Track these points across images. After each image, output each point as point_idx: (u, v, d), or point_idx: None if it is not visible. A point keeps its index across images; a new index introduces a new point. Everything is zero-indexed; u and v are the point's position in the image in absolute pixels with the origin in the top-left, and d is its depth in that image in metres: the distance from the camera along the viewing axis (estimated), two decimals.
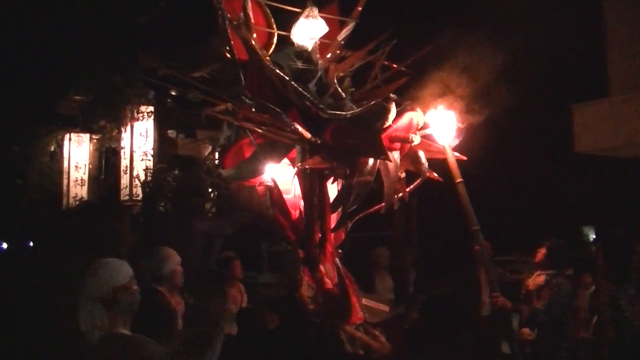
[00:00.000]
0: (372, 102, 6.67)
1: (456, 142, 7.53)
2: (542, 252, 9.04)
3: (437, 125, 7.38)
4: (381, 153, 6.33)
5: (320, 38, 7.47)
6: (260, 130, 6.80)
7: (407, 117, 6.90)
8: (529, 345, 8.90)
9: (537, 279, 9.02)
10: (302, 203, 7.16)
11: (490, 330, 12.29)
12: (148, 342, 4.52)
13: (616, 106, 17.23)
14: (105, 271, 4.63)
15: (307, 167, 6.76)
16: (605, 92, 17.71)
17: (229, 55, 7.01)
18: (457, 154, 7.57)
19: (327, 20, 7.52)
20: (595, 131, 17.32)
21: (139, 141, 11.34)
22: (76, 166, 12.57)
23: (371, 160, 6.58)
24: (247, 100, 6.77)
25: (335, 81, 7.28)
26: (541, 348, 8.73)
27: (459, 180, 7.62)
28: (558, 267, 8.98)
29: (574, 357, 9.64)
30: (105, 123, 12.12)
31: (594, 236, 27.34)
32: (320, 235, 6.94)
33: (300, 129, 6.41)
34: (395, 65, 7.93)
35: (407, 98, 7.25)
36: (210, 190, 11.21)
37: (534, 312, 8.71)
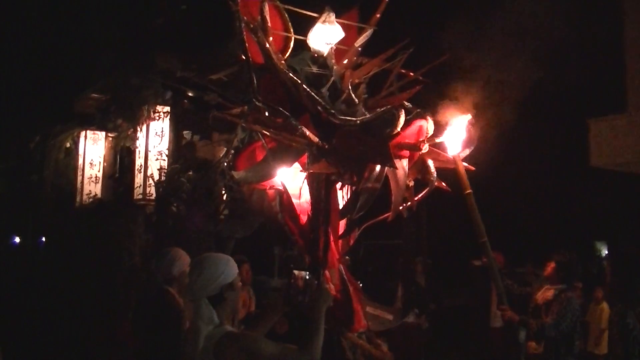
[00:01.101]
0: (382, 109, 6.67)
1: (467, 152, 7.51)
2: (551, 266, 9.03)
3: (448, 134, 7.37)
4: (387, 160, 6.31)
5: (338, 44, 7.48)
6: (269, 134, 6.83)
7: (417, 125, 6.89)
8: (537, 358, 8.89)
9: (545, 293, 9.01)
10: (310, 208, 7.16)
11: (501, 341, 12.30)
12: (261, 339, 4.53)
13: (633, 121, 17.21)
14: (212, 269, 4.65)
15: (312, 171, 6.77)
16: (623, 108, 17.67)
17: (244, 58, 7.02)
18: (466, 164, 7.56)
19: (346, 27, 7.54)
20: (611, 146, 17.29)
21: (154, 141, 11.33)
22: (91, 163, 12.60)
23: (378, 168, 6.57)
24: (258, 103, 6.77)
25: (350, 87, 7.29)
26: None
27: (468, 191, 7.60)
28: (567, 281, 8.96)
29: None
30: (121, 122, 12.13)
31: (606, 251, 27.32)
32: (325, 241, 6.94)
33: (307, 133, 6.42)
34: (411, 74, 7.94)
35: (418, 106, 7.25)
36: (223, 192, 11.21)
37: (543, 326, 8.69)
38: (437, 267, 15.47)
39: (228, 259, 4.80)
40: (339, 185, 7.19)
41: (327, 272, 6.98)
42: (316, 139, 6.49)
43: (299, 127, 6.42)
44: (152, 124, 11.45)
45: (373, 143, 6.44)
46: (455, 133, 7.36)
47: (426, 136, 7.02)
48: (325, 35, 7.34)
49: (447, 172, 7.56)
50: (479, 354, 13.46)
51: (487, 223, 7.83)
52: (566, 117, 21.12)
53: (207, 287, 4.57)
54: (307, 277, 5.19)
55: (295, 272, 5.17)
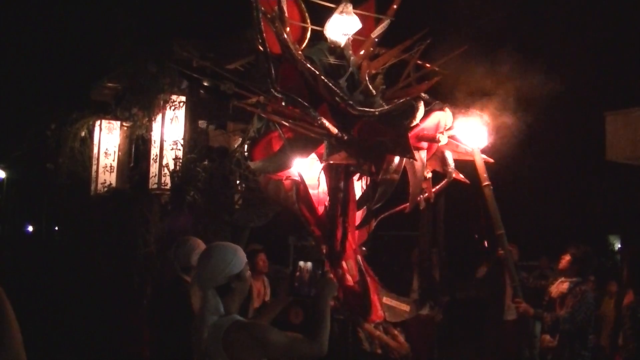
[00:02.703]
0: (401, 100, 6.66)
1: (485, 144, 7.50)
2: (566, 259, 8.99)
3: (466, 127, 7.35)
4: (407, 152, 6.31)
5: (355, 35, 7.49)
6: (288, 124, 6.82)
7: (435, 116, 6.88)
8: (550, 352, 8.86)
9: (560, 286, 8.98)
10: (327, 199, 7.16)
11: (514, 334, 12.26)
12: (270, 329, 4.51)
13: None
14: (219, 259, 4.60)
15: (331, 162, 6.76)
16: None
17: (261, 48, 7.02)
18: (484, 156, 7.54)
19: (363, 17, 7.55)
20: (627, 139, 17.18)
21: (169, 130, 11.34)
22: (106, 153, 12.60)
23: (397, 159, 6.57)
24: (277, 94, 6.77)
25: (367, 78, 7.29)
26: (563, 355, 8.69)
27: (486, 183, 7.59)
28: (582, 274, 8.94)
29: None
30: (136, 111, 12.12)
31: (620, 245, 27.26)
32: (342, 232, 6.93)
33: (327, 123, 6.41)
34: (428, 65, 7.93)
35: (437, 98, 7.24)
36: (238, 182, 11.19)
37: (557, 319, 8.66)
38: (453, 260, 15.45)
39: (236, 249, 4.74)
40: (356, 176, 7.19)
41: (344, 263, 6.99)
42: (335, 130, 6.48)
43: (318, 117, 6.41)
44: (168, 113, 11.46)
45: (392, 134, 6.43)
46: (472, 126, 7.35)
47: (445, 128, 7.01)
48: (343, 25, 7.36)
49: (465, 164, 7.56)
50: (493, 347, 13.42)
51: (501, 216, 7.83)
52: (583, 110, 21.03)
53: (214, 277, 4.54)
54: (312, 269, 5.16)
55: (301, 263, 5.15)
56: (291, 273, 5.15)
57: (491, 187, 7.64)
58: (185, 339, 4.83)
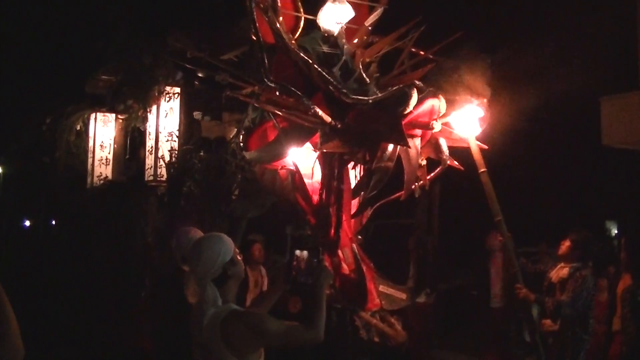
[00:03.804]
0: (394, 88, 6.65)
1: (479, 131, 7.47)
2: (566, 244, 9.00)
3: (461, 113, 7.34)
4: (401, 139, 6.30)
5: (349, 23, 7.46)
6: (282, 114, 6.81)
7: (429, 103, 6.85)
8: (551, 336, 8.88)
9: (560, 271, 8.99)
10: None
11: (501, 322, 12.23)
12: (266, 317, 4.53)
13: None
14: (209, 252, 4.62)
15: (325, 150, 6.76)
16: (635, 85, 17.52)
17: (255, 38, 7.00)
18: (478, 142, 7.52)
19: (356, 6, 7.51)
20: (623, 124, 17.17)
21: (164, 122, 11.36)
22: (101, 145, 12.62)
23: (391, 146, 6.56)
24: (270, 84, 6.75)
25: (361, 66, 7.28)
26: (564, 340, 8.71)
27: (483, 169, 7.58)
28: (583, 259, 8.94)
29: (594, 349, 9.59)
30: (132, 103, 12.11)
31: (616, 231, 27.25)
32: (337, 220, 6.93)
33: (320, 112, 6.40)
34: (422, 53, 7.91)
35: (431, 85, 7.21)
36: (234, 172, 11.20)
37: (559, 304, 8.68)
38: (449, 247, 15.44)
39: (221, 236, 4.78)
40: (350, 164, 7.19)
41: (340, 252, 6.99)
42: (329, 119, 6.47)
43: (312, 106, 6.40)
44: (163, 104, 11.47)
45: (386, 122, 6.42)
46: (467, 112, 7.33)
47: (438, 115, 6.99)
48: (336, 14, 7.32)
49: (460, 150, 7.54)
50: (484, 334, 13.43)
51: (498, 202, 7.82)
52: (578, 95, 20.99)
53: (209, 271, 4.57)
54: (308, 258, 5.16)
55: (297, 252, 5.14)
56: (287, 262, 5.14)
57: (487, 174, 7.63)
58: (186, 330, 4.83)
